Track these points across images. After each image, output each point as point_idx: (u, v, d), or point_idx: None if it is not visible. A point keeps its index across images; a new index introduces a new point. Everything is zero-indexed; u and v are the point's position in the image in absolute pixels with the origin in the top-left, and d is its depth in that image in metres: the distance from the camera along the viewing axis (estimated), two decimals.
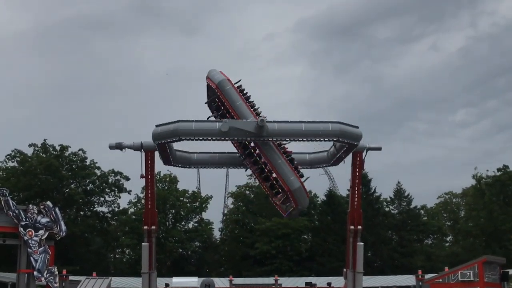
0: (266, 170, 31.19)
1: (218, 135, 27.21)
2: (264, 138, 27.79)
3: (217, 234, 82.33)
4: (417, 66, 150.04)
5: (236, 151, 33.21)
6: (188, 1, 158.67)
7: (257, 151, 31.26)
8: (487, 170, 74.12)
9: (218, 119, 30.91)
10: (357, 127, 28.36)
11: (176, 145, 31.38)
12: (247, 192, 78.94)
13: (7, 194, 37.21)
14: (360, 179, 33.35)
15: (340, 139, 27.80)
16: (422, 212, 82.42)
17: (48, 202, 38.81)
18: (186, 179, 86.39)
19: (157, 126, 27.87)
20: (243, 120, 27.76)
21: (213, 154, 34.11)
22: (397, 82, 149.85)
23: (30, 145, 70.38)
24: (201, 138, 27.49)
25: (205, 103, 32.95)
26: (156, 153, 31.42)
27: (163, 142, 27.82)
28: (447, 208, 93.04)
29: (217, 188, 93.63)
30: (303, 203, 30.48)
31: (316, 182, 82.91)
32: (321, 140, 28.52)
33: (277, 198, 31.43)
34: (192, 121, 27.28)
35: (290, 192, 29.19)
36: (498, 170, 71.52)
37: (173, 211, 75.52)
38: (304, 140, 28.41)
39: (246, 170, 34.03)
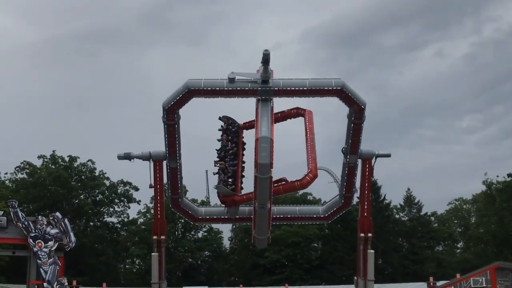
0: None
1: (225, 86, 27.49)
2: (270, 88, 27.92)
3: (226, 243, 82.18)
4: (423, 73, 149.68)
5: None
6: (195, 12, 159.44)
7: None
8: (497, 176, 73.65)
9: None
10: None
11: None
12: None
13: (16, 206, 37.24)
14: (370, 186, 33.22)
15: (344, 89, 27.62)
16: (433, 218, 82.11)
17: (57, 213, 38.77)
18: (195, 188, 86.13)
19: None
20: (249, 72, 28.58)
21: (221, 207, 33.00)
22: (403, 89, 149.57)
23: (39, 157, 70.62)
24: (209, 89, 27.61)
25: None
26: (165, 165, 31.25)
27: (173, 103, 27.86)
28: (457, 215, 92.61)
29: None
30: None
31: (326, 191, 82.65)
32: (325, 95, 28.54)
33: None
34: (201, 79, 27.91)
35: None
36: (509, 175, 70.87)
37: (183, 220, 75.36)
38: (308, 95, 28.66)
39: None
